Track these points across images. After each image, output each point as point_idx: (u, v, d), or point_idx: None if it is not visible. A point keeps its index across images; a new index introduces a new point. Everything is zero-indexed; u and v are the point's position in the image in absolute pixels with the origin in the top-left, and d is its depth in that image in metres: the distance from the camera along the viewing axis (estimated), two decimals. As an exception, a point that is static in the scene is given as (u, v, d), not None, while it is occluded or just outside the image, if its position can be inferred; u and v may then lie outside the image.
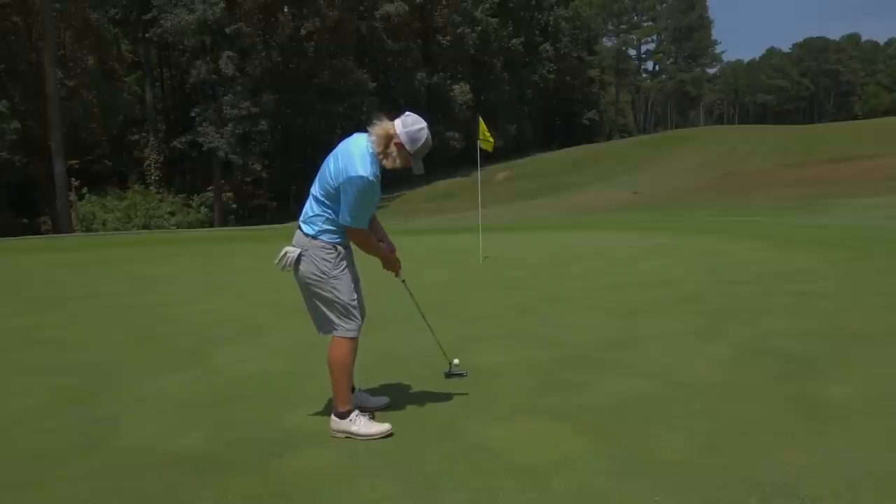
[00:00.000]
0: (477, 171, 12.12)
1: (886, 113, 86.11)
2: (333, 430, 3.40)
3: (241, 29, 38.11)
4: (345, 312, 3.38)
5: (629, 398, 3.77)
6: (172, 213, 36.46)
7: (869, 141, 39.72)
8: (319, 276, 3.32)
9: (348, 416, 3.38)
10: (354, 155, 3.23)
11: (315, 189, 3.37)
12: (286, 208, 44.66)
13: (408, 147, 3.27)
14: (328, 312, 3.40)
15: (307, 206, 3.40)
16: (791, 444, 3.08)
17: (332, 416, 3.42)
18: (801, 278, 7.45)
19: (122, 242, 17.47)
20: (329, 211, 3.30)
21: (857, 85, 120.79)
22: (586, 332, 5.29)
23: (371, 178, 3.20)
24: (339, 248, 3.35)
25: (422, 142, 3.30)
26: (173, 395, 4.14)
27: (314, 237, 3.31)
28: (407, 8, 45.69)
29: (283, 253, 3.35)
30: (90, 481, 2.96)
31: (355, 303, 3.42)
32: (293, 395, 4.09)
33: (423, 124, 3.32)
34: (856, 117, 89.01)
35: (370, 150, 3.26)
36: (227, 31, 38.10)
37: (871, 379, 3.94)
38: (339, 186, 3.23)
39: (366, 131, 3.34)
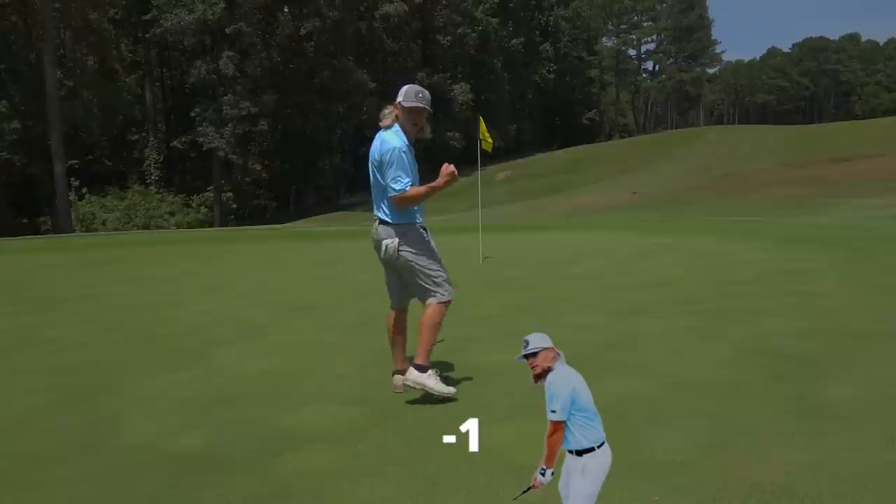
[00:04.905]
0: (477, 171, 12.12)
1: (886, 113, 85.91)
2: (410, 381, 3.77)
3: (241, 29, 38.08)
4: (438, 280, 3.84)
5: (629, 398, 3.77)
6: (172, 214, 36.37)
7: (869, 141, 39.67)
8: (415, 254, 3.78)
9: (426, 370, 3.76)
10: (383, 138, 3.75)
11: (376, 188, 3.84)
12: (286, 208, 44.67)
13: (421, 104, 3.77)
14: (425, 283, 3.83)
15: (378, 203, 3.85)
16: (791, 444, 3.08)
17: (411, 368, 3.78)
18: (801, 278, 7.45)
19: (122, 242, 17.45)
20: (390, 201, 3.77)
21: (857, 85, 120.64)
22: (586, 332, 5.30)
23: (402, 146, 3.71)
24: (417, 226, 3.86)
25: (420, 92, 3.79)
26: (173, 395, 4.14)
27: (397, 224, 3.78)
28: (407, 8, 45.66)
29: (383, 246, 3.78)
30: (90, 481, 2.96)
31: (442, 270, 3.88)
32: (293, 394, 4.09)
33: (408, 86, 3.83)
34: (856, 117, 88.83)
35: (393, 129, 3.76)
36: (227, 31, 38.08)
37: (871, 379, 3.94)
38: (381, 168, 3.72)
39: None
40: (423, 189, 3.76)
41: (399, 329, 4.06)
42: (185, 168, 48.10)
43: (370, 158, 3.82)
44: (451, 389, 3.77)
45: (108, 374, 4.62)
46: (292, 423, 3.59)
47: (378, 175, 3.78)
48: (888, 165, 29.13)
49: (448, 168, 3.69)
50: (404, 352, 4.06)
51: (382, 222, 3.82)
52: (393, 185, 3.69)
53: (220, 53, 39.03)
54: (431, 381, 3.73)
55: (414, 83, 3.95)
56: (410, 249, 3.78)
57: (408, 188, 3.69)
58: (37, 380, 4.54)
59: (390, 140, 3.72)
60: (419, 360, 3.78)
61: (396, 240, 3.77)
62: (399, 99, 3.77)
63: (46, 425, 3.69)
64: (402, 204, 3.75)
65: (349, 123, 44.78)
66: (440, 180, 3.70)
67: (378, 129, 3.83)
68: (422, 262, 3.81)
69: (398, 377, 3.96)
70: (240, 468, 3.06)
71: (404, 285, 3.97)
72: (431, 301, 3.85)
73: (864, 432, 3.18)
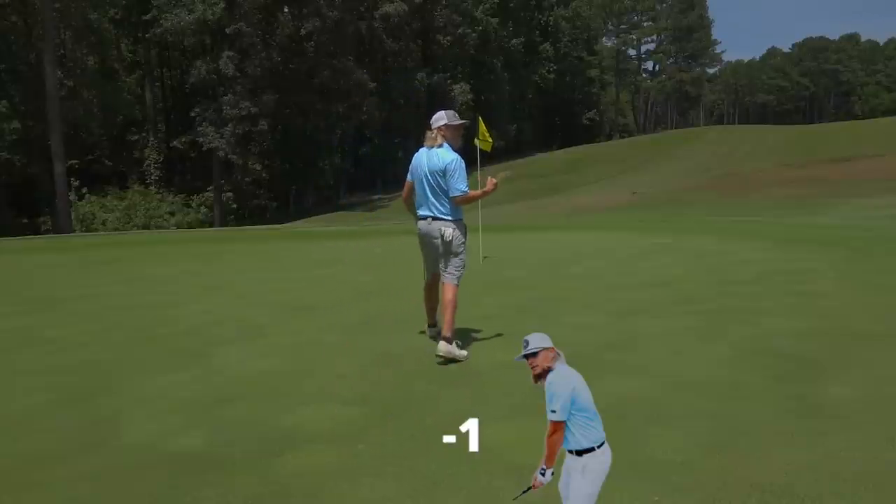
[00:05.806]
0: (477, 171, 12.11)
1: (886, 113, 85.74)
2: (442, 353, 4.52)
3: (241, 29, 38.03)
4: (462, 271, 4.86)
5: (629, 398, 3.77)
6: (172, 214, 36.31)
7: (869, 141, 39.66)
8: (462, 243, 4.79)
9: (452, 342, 4.58)
10: (440, 153, 4.69)
11: (432, 193, 4.71)
12: (286, 208, 44.64)
13: (462, 121, 4.84)
14: (456, 266, 4.78)
15: (432, 205, 4.73)
16: (791, 444, 3.08)
17: (441, 342, 4.55)
18: (801, 278, 7.45)
19: (122, 242, 17.44)
20: (449, 201, 4.69)
21: (857, 85, 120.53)
22: (586, 332, 5.30)
23: (460, 158, 4.69)
24: (463, 221, 4.81)
25: (455, 113, 4.89)
26: (173, 395, 4.14)
27: (455, 220, 4.74)
28: (407, 8, 45.64)
29: (442, 232, 4.68)
30: (90, 481, 2.96)
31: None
32: (293, 394, 4.09)
33: (444, 111, 4.86)
34: (856, 117, 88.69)
35: (445, 147, 4.73)
36: (227, 31, 38.02)
37: (871, 379, 3.94)
38: (445, 175, 4.60)
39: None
40: (478, 192, 4.71)
41: (434, 295, 5.10)
42: (185, 168, 48.07)
43: (429, 169, 4.68)
44: (465, 353, 4.68)
45: (108, 374, 4.62)
46: (292, 423, 3.59)
47: (441, 181, 4.65)
48: (888, 165, 29.13)
49: (494, 179, 4.64)
50: (437, 312, 5.06)
51: (437, 219, 4.74)
52: (459, 187, 4.62)
53: (220, 53, 38.98)
54: (457, 350, 4.61)
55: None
56: (461, 241, 4.79)
57: (469, 190, 4.66)
58: (37, 380, 4.54)
59: (449, 154, 4.68)
60: (447, 333, 4.58)
61: (453, 228, 4.71)
62: (443, 122, 4.73)
63: (46, 425, 3.68)
64: (463, 203, 4.70)
65: (349, 123, 44.76)
66: (489, 187, 4.64)
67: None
68: (462, 251, 4.83)
69: (434, 329, 5.08)
70: (240, 468, 3.06)
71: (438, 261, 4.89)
72: (452, 281, 4.79)
73: (864, 432, 3.18)
